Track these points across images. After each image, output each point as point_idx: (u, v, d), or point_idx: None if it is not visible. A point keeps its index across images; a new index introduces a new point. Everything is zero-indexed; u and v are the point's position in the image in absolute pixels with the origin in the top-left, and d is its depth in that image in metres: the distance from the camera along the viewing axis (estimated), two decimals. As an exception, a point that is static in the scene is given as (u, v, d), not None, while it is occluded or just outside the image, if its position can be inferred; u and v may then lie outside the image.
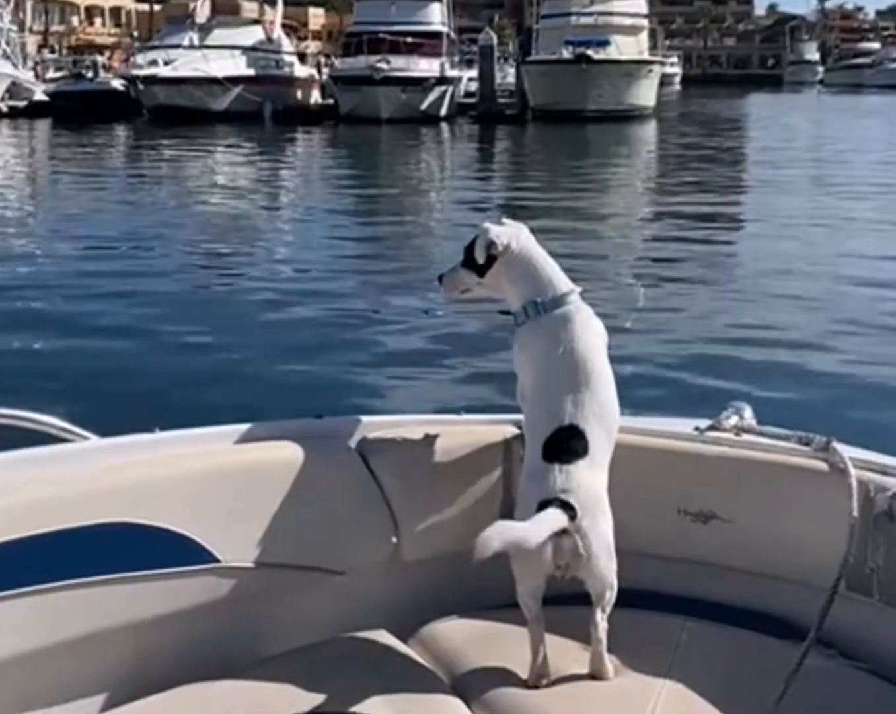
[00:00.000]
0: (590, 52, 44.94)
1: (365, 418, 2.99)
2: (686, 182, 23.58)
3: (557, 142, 36.02)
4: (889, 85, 74.73)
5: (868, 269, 13.36)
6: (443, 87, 46.00)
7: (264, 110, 44.33)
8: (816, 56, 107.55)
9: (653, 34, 53.16)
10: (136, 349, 9.39)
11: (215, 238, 16.41)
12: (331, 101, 46.97)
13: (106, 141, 35.72)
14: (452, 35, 50.73)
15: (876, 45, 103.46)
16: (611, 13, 49.29)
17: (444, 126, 44.25)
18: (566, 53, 45.23)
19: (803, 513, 2.74)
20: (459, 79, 49.39)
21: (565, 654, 2.59)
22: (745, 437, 2.92)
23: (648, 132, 42.82)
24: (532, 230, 2.67)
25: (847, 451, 2.72)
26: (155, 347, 9.45)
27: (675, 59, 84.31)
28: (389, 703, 2.44)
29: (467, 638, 2.76)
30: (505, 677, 2.57)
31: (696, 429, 2.96)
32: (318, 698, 2.46)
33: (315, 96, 50.45)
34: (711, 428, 2.96)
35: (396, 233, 16.91)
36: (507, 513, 2.96)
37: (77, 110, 41.91)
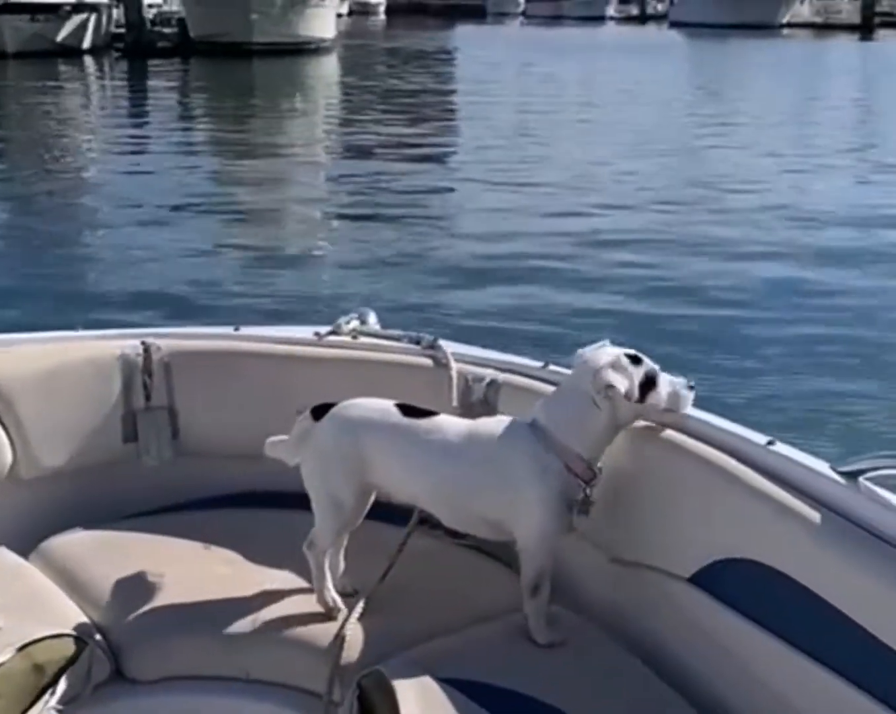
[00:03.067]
0: None
1: None
2: (368, 128, 24.38)
3: (220, 80, 35.97)
4: (585, 16, 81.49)
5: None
6: (84, 15, 44.59)
7: None
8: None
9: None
10: None
11: None
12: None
13: None
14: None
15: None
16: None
17: (90, 61, 43.05)
18: None
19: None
20: (111, 5, 47.73)
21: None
22: (363, 339, 3.47)
23: (328, 68, 43.31)
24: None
25: (450, 347, 3.34)
26: None
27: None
28: (8, 617, 2.78)
29: (89, 549, 3.14)
30: (127, 581, 2.97)
31: (316, 334, 3.49)
32: None
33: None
34: (331, 333, 3.49)
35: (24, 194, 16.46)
36: (130, 427, 3.38)
37: None
